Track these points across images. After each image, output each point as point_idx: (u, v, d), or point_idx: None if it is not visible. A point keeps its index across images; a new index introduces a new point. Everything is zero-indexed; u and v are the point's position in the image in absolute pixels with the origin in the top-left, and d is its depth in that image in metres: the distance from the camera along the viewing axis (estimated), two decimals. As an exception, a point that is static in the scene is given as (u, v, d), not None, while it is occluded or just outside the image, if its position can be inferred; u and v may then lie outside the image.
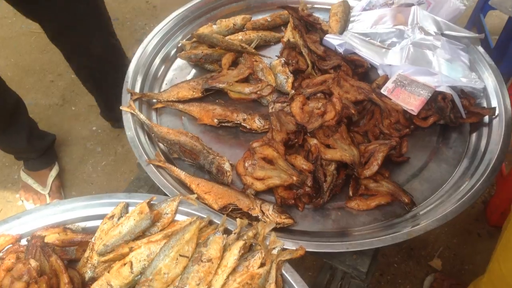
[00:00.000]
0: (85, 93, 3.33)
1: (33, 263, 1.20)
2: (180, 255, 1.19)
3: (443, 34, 1.81)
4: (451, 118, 1.58)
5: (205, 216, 1.30)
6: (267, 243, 1.23)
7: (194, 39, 1.87)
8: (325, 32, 1.86)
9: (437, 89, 1.61)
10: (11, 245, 1.28)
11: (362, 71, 1.74)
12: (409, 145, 1.58)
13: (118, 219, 1.32)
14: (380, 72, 1.74)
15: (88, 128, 3.15)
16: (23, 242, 1.29)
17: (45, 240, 1.27)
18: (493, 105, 1.64)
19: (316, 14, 2.01)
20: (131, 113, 1.62)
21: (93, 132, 3.13)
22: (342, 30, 1.92)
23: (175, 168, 1.50)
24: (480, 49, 1.80)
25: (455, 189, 1.45)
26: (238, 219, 1.28)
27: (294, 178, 1.41)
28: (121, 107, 1.62)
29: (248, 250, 1.23)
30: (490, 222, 2.54)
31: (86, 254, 1.28)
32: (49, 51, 3.64)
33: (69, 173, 2.90)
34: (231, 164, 1.52)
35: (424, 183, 1.51)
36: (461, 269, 2.42)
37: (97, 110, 3.24)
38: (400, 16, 1.84)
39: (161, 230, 1.30)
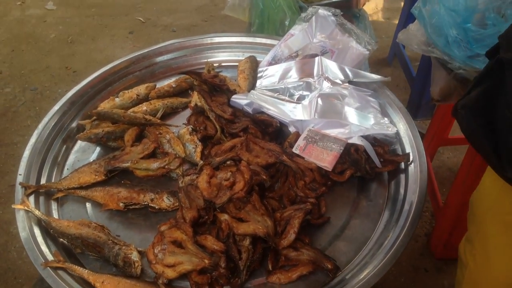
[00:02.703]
0: (5, 173, 3.15)
1: None
2: None
3: (350, 82, 1.78)
4: (366, 169, 1.53)
5: (110, 322, 1.16)
6: None
7: (94, 117, 1.76)
8: (233, 92, 1.80)
9: (349, 141, 1.55)
10: None
11: (272, 130, 1.67)
12: (328, 203, 1.51)
13: None
14: (292, 129, 1.68)
15: (10, 211, 2.93)
16: None
17: None
18: (407, 150, 1.60)
19: (225, 73, 1.95)
20: (26, 210, 1.47)
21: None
22: (251, 86, 1.87)
23: (77, 267, 1.36)
24: (389, 92, 1.78)
25: (378, 247, 1.38)
26: (145, 322, 1.15)
27: (206, 261, 1.29)
28: (13, 206, 1.47)
29: None
30: (436, 255, 2.50)
31: None
32: (-35, 132, 3.43)
33: (-9, 264, 2.67)
34: (140, 252, 1.40)
35: (347, 244, 1.42)
36: (413, 310, 2.35)
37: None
38: (306, 68, 1.81)
39: None
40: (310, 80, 1.78)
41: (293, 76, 1.82)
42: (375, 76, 1.81)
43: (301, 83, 1.79)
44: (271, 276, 1.35)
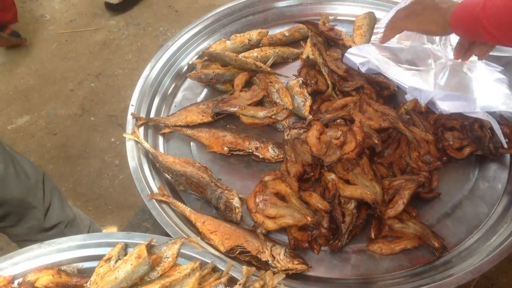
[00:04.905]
0: (105, 103, 3.29)
1: (20, 312, 1.10)
2: (178, 311, 1.07)
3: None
4: (490, 148, 1.41)
5: (209, 262, 1.18)
6: (276, 296, 1.11)
7: (206, 57, 1.75)
8: (348, 48, 1.70)
9: (474, 116, 1.43)
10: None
11: (388, 93, 1.57)
12: (440, 178, 1.42)
13: (116, 262, 1.21)
14: (408, 96, 1.57)
15: (106, 140, 3.08)
16: (16, 284, 1.20)
17: (38, 283, 1.18)
18: (537, 134, 1.45)
19: (339, 27, 1.85)
20: (135, 141, 1.51)
21: (111, 144, 3.06)
22: (367, 45, 1.76)
23: (180, 203, 1.38)
24: (522, 69, 1.61)
25: (492, 233, 1.29)
26: (244, 267, 1.15)
27: (309, 218, 1.26)
28: (124, 134, 1.51)
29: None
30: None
31: (80, 300, 1.18)
32: (70, 59, 3.60)
33: (85, 186, 2.83)
34: (241, 198, 1.39)
35: (457, 224, 1.34)
36: (499, 302, 2.23)
37: (116, 121, 3.17)
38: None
39: (160, 276, 1.18)
40: (434, 46, 1.64)
41: (415, 39, 1.68)
42: (506, 50, 1.63)
43: (423, 48, 1.65)
44: (372, 244, 1.30)
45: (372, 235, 1.31)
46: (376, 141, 1.41)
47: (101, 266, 1.20)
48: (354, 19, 1.88)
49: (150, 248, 1.20)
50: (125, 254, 1.22)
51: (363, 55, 1.64)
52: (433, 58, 1.62)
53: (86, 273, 1.21)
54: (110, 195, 2.76)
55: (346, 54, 1.67)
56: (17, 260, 1.22)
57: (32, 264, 1.22)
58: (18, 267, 1.21)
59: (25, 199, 1.74)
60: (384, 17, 1.84)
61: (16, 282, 1.21)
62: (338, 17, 1.95)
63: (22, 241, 1.89)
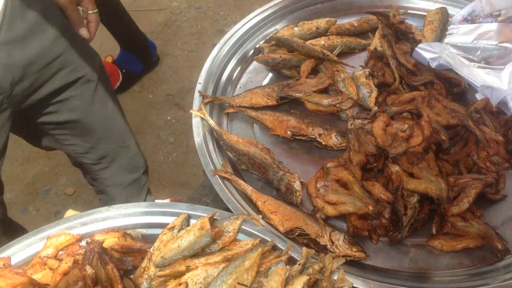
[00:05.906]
0: (163, 82, 3.37)
1: (89, 270, 1.15)
2: (239, 283, 1.10)
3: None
4: (562, 154, 1.37)
5: (269, 240, 1.20)
6: (334, 279, 1.12)
7: (273, 42, 1.76)
8: (418, 43, 1.68)
9: (547, 119, 1.39)
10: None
11: (458, 91, 1.55)
12: (507, 180, 1.39)
13: (178, 231, 1.26)
14: (478, 95, 1.54)
15: (163, 118, 3.16)
16: (83, 243, 1.26)
17: (105, 244, 1.24)
18: None
19: (409, 21, 1.82)
20: (201, 118, 1.55)
21: (167, 122, 3.14)
22: (438, 40, 1.73)
23: (242, 181, 1.41)
24: None
25: (560, 240, 1.25)
26: (304, 249, 1.17)
27: (370, 207, 1.27)
28: (191, 110, 1.55)
29: (312, 285, 1.12)
30: None
31: (143, 264, 1.23)
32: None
33: (141, 160, 2.92)
34: (301, 183, 1.41)
35: (522, 228, 1.31)
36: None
37: (173, 100, 3.25)
38: (507, 32, 1.62)
39: (221, 249, 1.22)
40: (510, 45, 1.60)
41: (491, 38, 1.64)
42: None
43: (499, 47, 1.61)
44: (433, 240, 1.29)
45: (434, 230, 1.29)
46: (443, 138, 1.39)
47: (165, 234, 1.25)
48: (425, 13, 1.85)
49: (212, 221, 1.23)
50: (188, 225, 1.27)
51: (434, 51, 1.62)
52: (508, 57, 1.58)
53: (149, 239, 1.26)
54: (164, 171, 2.84)
55: (416, 49, 1.65)
56: (85, 220, 1.29)
57: (100, 226, 1.28)
58: (86, 227, 1.28)
59: (123, 136, 1.86)
60: (457, 14, 1.81)
61: (83, 242, 1.27)
62: (409, 11, 1.92)
63: (108, 186, 1.97)
